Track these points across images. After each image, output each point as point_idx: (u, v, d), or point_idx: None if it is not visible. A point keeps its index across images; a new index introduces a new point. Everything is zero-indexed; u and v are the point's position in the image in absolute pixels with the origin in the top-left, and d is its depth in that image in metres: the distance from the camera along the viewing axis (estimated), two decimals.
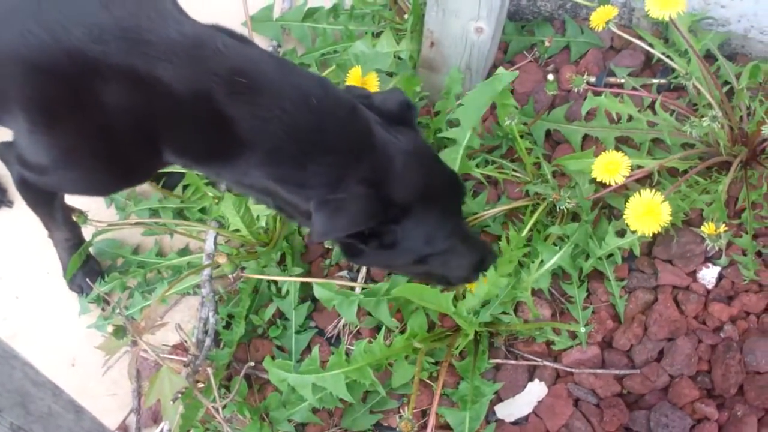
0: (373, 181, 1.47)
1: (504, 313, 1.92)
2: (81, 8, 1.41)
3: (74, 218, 1.98)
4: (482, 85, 1.92)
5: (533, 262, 1.88)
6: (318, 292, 1.86)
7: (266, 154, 1.46)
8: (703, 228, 1.66)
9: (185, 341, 1.93)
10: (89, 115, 1.45)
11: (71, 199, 1.99)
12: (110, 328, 1.76)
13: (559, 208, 1.87)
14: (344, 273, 2.11)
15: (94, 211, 2.23)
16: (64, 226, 2.05)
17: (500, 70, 1.93)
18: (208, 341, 1.94)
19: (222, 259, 1.75)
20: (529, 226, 1.94)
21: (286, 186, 1.50)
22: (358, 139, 1.49)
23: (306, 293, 2.06)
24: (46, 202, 1.95)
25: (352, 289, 1.99)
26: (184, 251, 2.20)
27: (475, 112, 1.94)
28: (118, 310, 1.90)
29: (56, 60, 1.40)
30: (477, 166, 2.05)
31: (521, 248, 1.88)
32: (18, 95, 1.46)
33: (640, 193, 1.65)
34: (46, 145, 1.54)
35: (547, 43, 2.22)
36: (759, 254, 1.91)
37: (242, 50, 1.48)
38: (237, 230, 1.97)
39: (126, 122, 1.45)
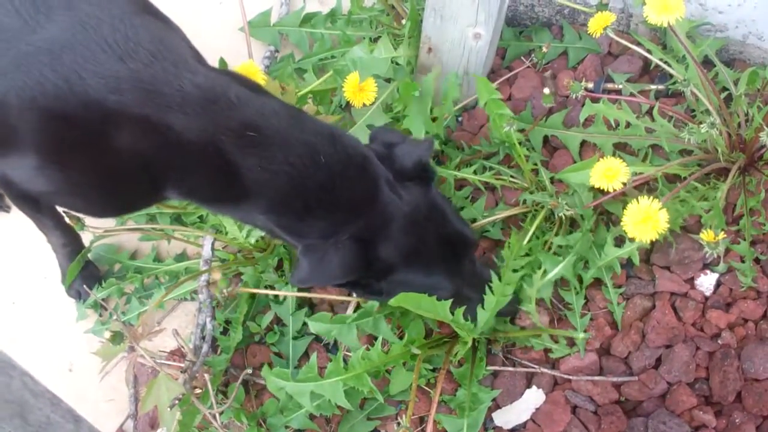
0: (363, 237, 1.56)
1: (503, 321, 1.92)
2: (97, 59, 1.43)
3: (72, 224, 1.97)
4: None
5: (535, 272, 1.87)
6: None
7: (270, 204, 1.53)
8: (701, 235, 1.66)
9: (182, 347, 1.94)
10: (100, 157, 1.49)
11: None
12: (107, 334, 1.76)
13: (557, 215, 1.87)
14: None
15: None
16: (58, 231, 2.05)
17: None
18: (205, 347, 1.94)
19: (216, 275, 1.76)
20: (530, 234, 1.94)
21: (284, 231, 1.58)
22: (360, 197, 1.56)
23: (303, 298, 2.05)
24: (33, 208, 1.96)
25: (350, 294, 1.99)
26: (182, 257, 2.20)
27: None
28: (115, 316, 1.90)
29: (72, 108, 1.44)
30: (475, 172, 2.05)
31: (523, 256, 1.87)
32: (30, 138, 1.48)
33: (637, 201, 1.65)
34: (53, 180, 1.57)
35: (544, 49, 2.22)
36: (757, 261, 1.91)
37: (255, 102, 1.52)
38: (234, 237, 1.97)
39: (134, 164, 1.50)
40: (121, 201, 1.68)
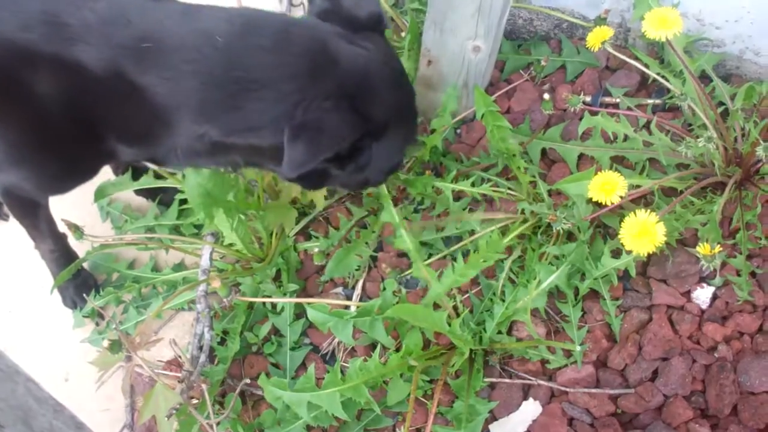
0: (342, 95, 1.36)
1: (499, 332, 1.92)
2: None
3: (70, 232, 1.97)
4: None
5: (529, 282, 1.88)
6: (312, 315, 1.83)
7: (194, 113, 1.38)
8: (698, 248, 1.67)
9: (180, 357, 1.94)
10: (27, 108, 1.41)
11: (65, 213, 1.98)
12: (105, 343, 1.76)
13: (556, 228, 1.88)
14: (339, 290, 2.11)
15: (89, 226, 2.23)
16: (50, 239, 2.05)
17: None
18: (202, 357, 1.94)
19: (216, 283, 1.75)
20: (513, 235, 1.95)
21: (235, 136, 1.40)
22: (303, 60, 1.36)
23: (301, 309, 2.05)
24: (30, 212, 1.95)
25: (347, 307, 1.99)
26: (180, 266, 2.20)
27: None
28: (113, 325, 1.90)
29: None
30: (473, 184, 2.06)
31: (498, 253, 1.87)
32: None
33: (635, 214, 1.65)
34: None
35: (543, 63, 2.23)
36: (753, 275, 1.91)
37: (152, 12, 1.39)
38: (232, 244, 1.97)
39: (62, 111, 1.40)
40: (70, 162, 1.56)
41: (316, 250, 2.13)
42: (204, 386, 1.81)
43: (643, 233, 1.64)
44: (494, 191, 2.08)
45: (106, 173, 2.24)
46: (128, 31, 1.36)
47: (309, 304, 1.86)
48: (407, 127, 1.53)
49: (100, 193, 2.22)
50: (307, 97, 1.35)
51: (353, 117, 1.34)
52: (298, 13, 2.57)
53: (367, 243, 2.11)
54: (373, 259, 2.14)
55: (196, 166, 1.66)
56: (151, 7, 1.40)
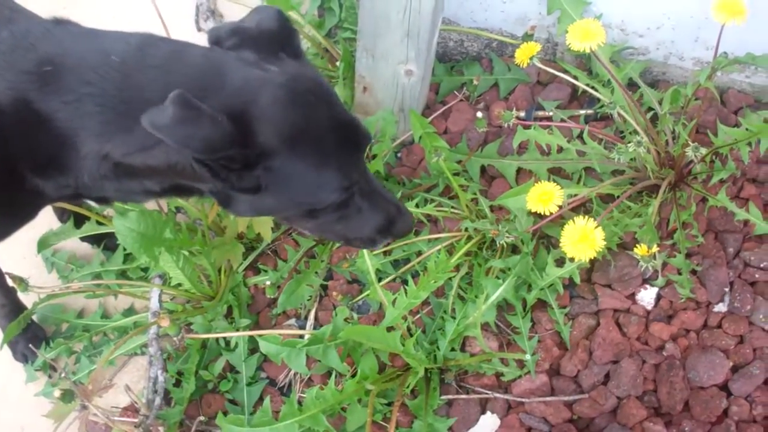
0: (231, 112, 1.24)
1: (453, 349, 1.94)
2: None
3: (15, 285, 1.95)
4: None
5: (477, 297, 1.91)
6: (264, 347, 1.82)
7: (94, 135, 1.31)
8: (636, 250, 1.71)
9: (135, 402, 1.92)
10: None
11: (10, 266, 1.96)
12: (57, 393, 1.73)
13: (499, 242, 1.90)
14: (292, 321, 2.11)
15: (35, 277, 2.21)
16: None
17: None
18: (157, 400, 1.92)
19: (165, 323, 1.74)
20: (460, 253, 1.97)
21: (132, 157, 1.33)
22: (191, 80, 1.29)
23: (255, 344, 2.04)
24: None
25: (301, 337, 1.99)
26: (130, 311, 2.18)
27: None
28: (63, 374, 1.88)
29: None
30: (417, 206, 2.08)
31: (447, 272, 1.89)
32: None
33: (573, 221, 1.68)
34: None
35: (475, 82, 2.27)
36: (694, 272, 1.96)
37: (54, 34, 1.35)
38: (180, 285, 1.97)
39: None
40: None
41: (267, 283, 2.13)
42: (161, 429, 1.80)
43: (582, 239, 1.66)
44: (438, 211, 2.11)
45: (48, 224, 2.23)
46: (31, 55, 1.32)
47: (260, 336, 1.85)
48: (320, 154, 1.36)
49: (42, 244, 2.21)
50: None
51: (231, 129, 1.22)
52: (209, 25, 2.59)
53: (316, 272, 2.12)
54: (324, 288, 2.15)
55: (122, 200, 1.60)
56: (53, 30, 1.36)
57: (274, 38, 1.38)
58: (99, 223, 2.14)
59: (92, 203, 1.76)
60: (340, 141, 1.38)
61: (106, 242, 2.22)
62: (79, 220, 2.16)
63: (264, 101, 1.28)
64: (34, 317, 2.17)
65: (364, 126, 1.46)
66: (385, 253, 2.10)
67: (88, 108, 1.29)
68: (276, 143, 1.29)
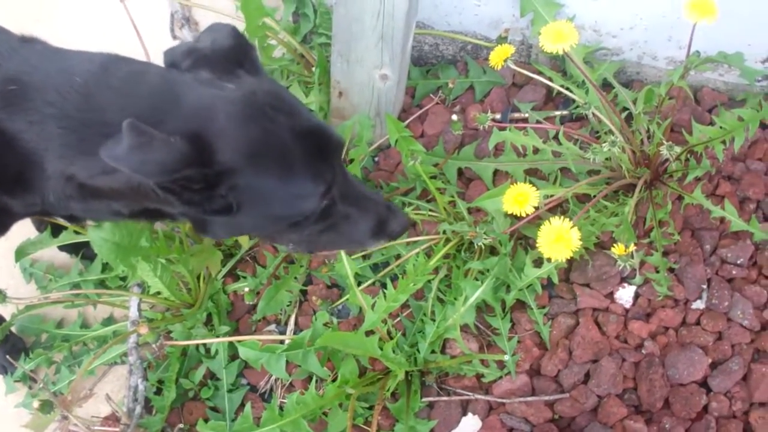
0: (181, 134, 1.23)
1: (433, 351, 1.94)
2: None
3: None
4: None
5: (456, 299, 1.91)
6: (243, 353, 1.83)
7: (58, 157, 1.32)
8: (613, 249, 1.72)
9: (116, 411, 1.91)
10: None
11: None
12: (36, 404, 1.72)
13: (477, 244, 1.91)
14: (272, 327, 2.11)
15: (13, 288, 2.19)
16: None
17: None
18: (138, 409, 1.92)
19: (144, 330, 1.74)
20: (438, 256, 1.98)
21: (95, 179, 1.33)
22: (147, 102, 1.29)
23: (235, 351, 2.03)
24: None
25: (282, 342, 1.99)
26: (109, 320, 2.18)
27: None
28: (41, 385, 1.87)
29: None
30: None
31: (426, 275, 1.90)
32: None
33: (550, 222, 1.69)
34: None
35: (450, 85, 2.28)
36: (671, 270, 1.97)
37: (20, 52, 1.35)
38: (158, 293, 1.96)
39: None
40: None
41: (246, 289, 2.13)
42: None
43: (559, 239, 1.67)
44: (416, 214, 2.11)
45: (25, 233, 2.22)
46: None
47: (240, 341, 1.85)
48: (288, 165, 1.34)
49: (20, 253, 2.19)
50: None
51: (185, 149, 1.21)
52: (184, 32, 2.58)
53: (296, 278, 2.12)
54: (304, 293, 2.15)
55: (92, 218, 1.60)
56: (19, 49, 1.36)
57: (230, 56, 1.38)
58: (76, 232, 2.13)
59: (62, 221, 1.75)
60: (308, 149, 1.36)
61: (84, 251, 2.21)
62: (57, 230, 2.16)
63: (220, 119, 1.27)
64: (13, 328, 2.15)
65: (334, 131, 1.45)
66: (364, 257, 2.10)
67: (51, 130, 1.29)
68: (236, 160, 1.28)
